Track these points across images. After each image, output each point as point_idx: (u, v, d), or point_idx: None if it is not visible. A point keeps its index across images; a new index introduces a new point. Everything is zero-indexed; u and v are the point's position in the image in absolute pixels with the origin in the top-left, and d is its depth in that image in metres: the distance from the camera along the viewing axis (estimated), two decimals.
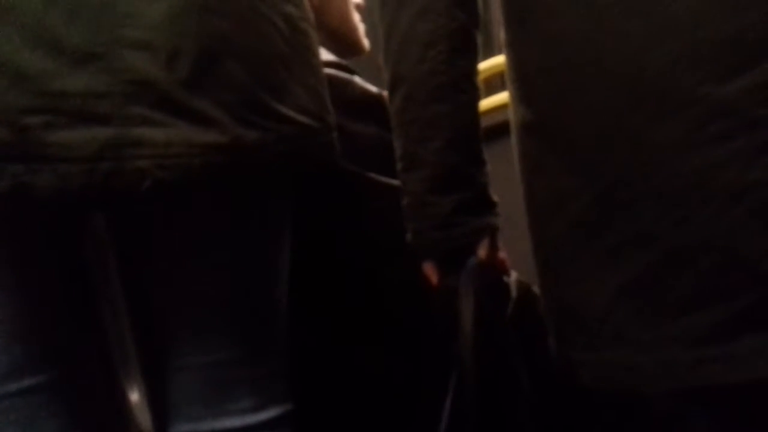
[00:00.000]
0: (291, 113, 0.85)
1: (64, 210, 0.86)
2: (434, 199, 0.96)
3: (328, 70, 1.08)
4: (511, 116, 0.95)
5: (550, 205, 0.89)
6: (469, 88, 0.96)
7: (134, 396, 1.11)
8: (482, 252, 0.98)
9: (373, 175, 1.11)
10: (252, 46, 0.82)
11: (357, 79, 1.18)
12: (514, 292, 1.06)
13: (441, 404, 0.97)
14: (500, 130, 1.11)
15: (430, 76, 0.93)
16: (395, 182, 1.03)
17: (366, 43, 1.32)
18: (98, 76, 0.74)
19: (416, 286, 1.03)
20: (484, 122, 1.00)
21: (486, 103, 1.59)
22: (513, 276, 1.15)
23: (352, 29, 1.29)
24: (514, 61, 0.92)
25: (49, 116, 0.73)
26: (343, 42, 1.28)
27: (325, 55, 1.16)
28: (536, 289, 1.01)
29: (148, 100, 0.76)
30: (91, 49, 0.74)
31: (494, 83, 1.81)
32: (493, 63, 1.73)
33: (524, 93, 0.91)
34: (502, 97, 1.59)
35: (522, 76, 0.91)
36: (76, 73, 0.74)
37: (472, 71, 0.96)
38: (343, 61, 1.20)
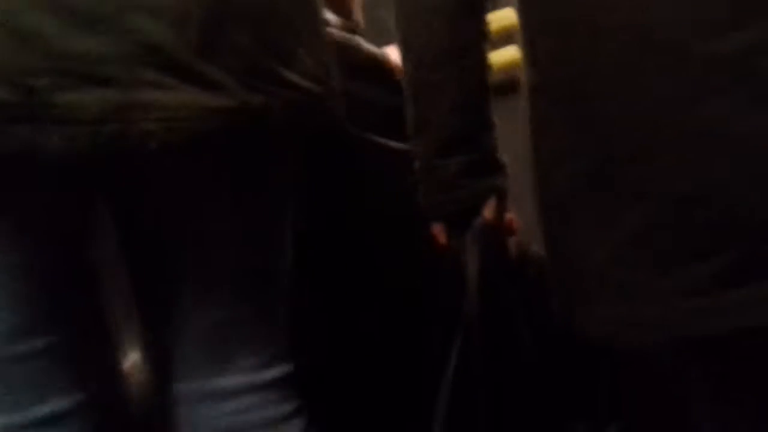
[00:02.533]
0: (296, 78, 0.85)
1: (70, 172, 0.86)
2: (440, 162, 0.99)
3: (331, 31, 1.09)
4: (524, 77, 0.97)
5: (553, 162, 0.91)
6: (475, 53, 0.98)
7: (134, 355, 1.13)
8: (488, 213, 1.01)
9: (374, 137, 1.12)
10: (259, 12, 0.83)
11: (360, 40, 1.19)
12: (512, 252, 1.09)
13: (446, 362, 1.00)
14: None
15: (436, 42, 0.96)
16: (397, 144, 1.06)
17: (359, 12, 1.34)
18: (106, 38, 0.75)
19: (416, 249, 1.06)
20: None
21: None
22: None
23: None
24: (523, 23, 0.94)
25: (56, 78, 0.74)
26: (339, 8, 1.29)
27: (329, 15, 1.17)
28: (535, 248, 1.04)
29: (155, 64, 0.76)
30: (100, 12, 0.75)
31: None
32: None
33: (530, 54, 0.93)
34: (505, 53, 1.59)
35: (528, 38, 0.93)
36: (84, 36, 0.74)
37: (478, 37, 0.98)
38: (347, 22, 1.21)
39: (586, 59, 0.85)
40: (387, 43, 1.24)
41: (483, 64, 0.99)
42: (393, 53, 1.51)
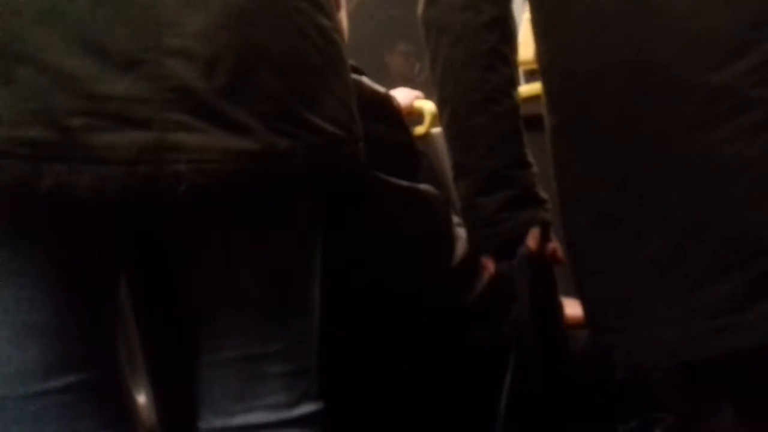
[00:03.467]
0: (321, 123, 0.87)
1: (101, 212, 0.87)
2: (481, 200, 1.08)
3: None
4: (545, 122, 1.05)
5: (575, 198, 0.99)
6: (504, 99, 1.06)
7: (141, 396, 1.16)
8: (531, 242, 1.09)
9: (380, 175, 1.13)
10: (287, 57, 0.84)
11: (365, 80, 1.19)
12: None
13: (495, 390, 1.07)
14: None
15: (468, 94, 1.05)
16: (402, 182, 1.12)
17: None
18: (140, 81, 0.76)
19: (422, 282, 1.11)
20: None
21: None
22: None
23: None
24: (542, 72, 1.02)
25: (91, 119, 0.75)
26: None
27: None
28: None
29: (186, 107, 0.78)
30: (135, 56, 0.77)
31: None
32: None
33: (550, 101, 1.01)
34: None
35: (548, 86, 1.02)
36: (119, 78, 0.76)
37: (506, 85, 1.07)
38: (351, 62, 1.22)
39: (594, 98, 0.93)
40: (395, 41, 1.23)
41: (514, 109, 1.08)
42: (401, 95, 1.55)
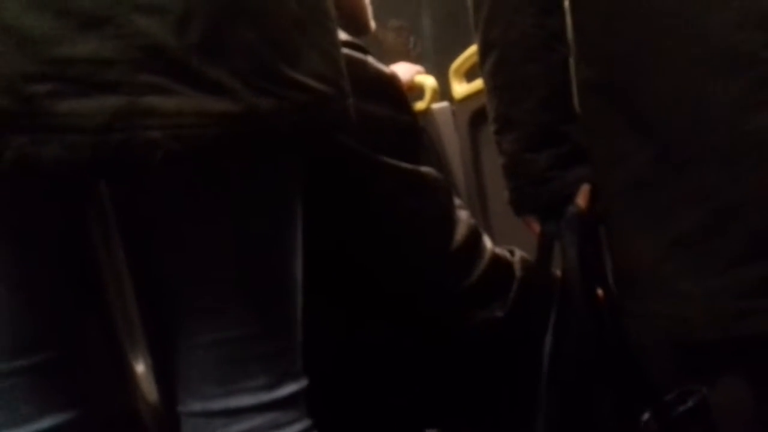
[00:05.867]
0: (305, 79, 0.80)
1: (68, 181, 0.82)
2: (530, 156, 1.02)
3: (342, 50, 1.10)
4: (573, 74, 1.00)
5: (609, 162, 0.94)
6: (559, 46, 1.01)
7: (140, 367, 1.10)
8: (581, 201, 1.03)
9: (383, 157, 1.09)
10: (265, 9, 0.78)
11: (370, 59, 1.15)
12: (519, 272, 1.14)
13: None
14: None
15: (521, 39, 0.99)
16: (405, 165, 1.07)
17: (373, 23, 1.32)
18: (107, 41, 0.70)
19: (422, 265, 1.07)
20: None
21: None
22: (518, 254, 1.20)
23: (363, 9, 1.29)
24: (577, 23, 0.97)
25: (55, 84, 0.69)
26: (353, 21, 1.26)
27: (339, 34, 1.16)
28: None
29: (158, 67, 0.72)
30: (99, 13, 0.70)
31: None
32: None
33: (586, 53, 0.96)
34: None
35: (584, 38, 0.96)
36: (83, 38, 0.69)
37: (561, 30, 1.01)
38: (357, 41, 1.17)
39: (646, 60, 0.88)
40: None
41: (567, 58, 1.02)
42: (401, 71, 1.52)
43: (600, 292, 1.05)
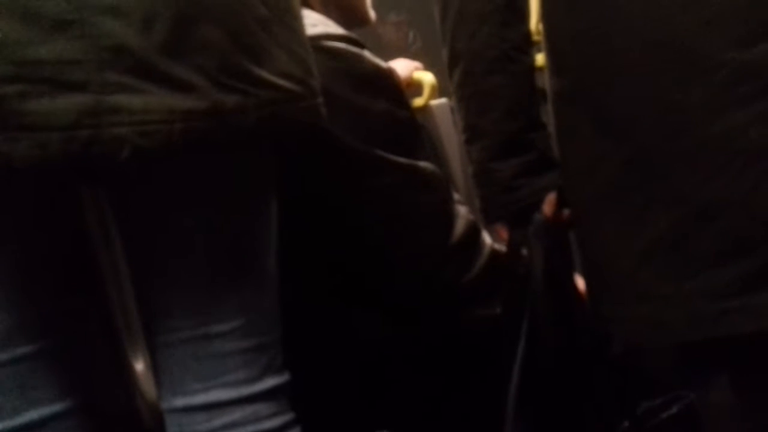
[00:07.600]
0: (272, 77, 0.82)
1: (55, 178, 0.85)
2: (497, 165, 1.03)
3: (338, 44, 1.09)
4: (547, 86, 1.00)
5: (582, 168, 0.95)
6: (522, 57, 1.01)
7: (139, 366, 1.11)
8: (547, 209, 1.04)
9: (379, 152, 1.10)
10: (230, 9, 0.80)
11: (367, 54, 1.15)
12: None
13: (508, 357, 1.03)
14: None
15: (484, 51, 1.00)
16: (402, 160, 1.08)
17: (372, 14, 1.32)
18: (73, 42, 0.73)
19: (420, 260, 1.08)
20: None
21: None
22: None
23: (361, 0, 1.29)
24: (547, 31, 0.97)
25: (24, 85, 0.72)
26: (351, 13, 1.26)
27: (334, 28, 1.15)
28: None
29: (124, 66, 0.74)
30: (65, 16, 0.72)
31: None
32: None
33: (557, 62, 0.96)
34: None
35: (554, 46, 0.96)
36: (51, 41, 0.72)
37: (523, 42, 1.02)
38: (353, 35, 1.17)
39: (615, 67, 0.88)
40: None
41: (531, 68, 1.03)
42: (400, 66, 1.52)
43: (569, 297, 1.06)
